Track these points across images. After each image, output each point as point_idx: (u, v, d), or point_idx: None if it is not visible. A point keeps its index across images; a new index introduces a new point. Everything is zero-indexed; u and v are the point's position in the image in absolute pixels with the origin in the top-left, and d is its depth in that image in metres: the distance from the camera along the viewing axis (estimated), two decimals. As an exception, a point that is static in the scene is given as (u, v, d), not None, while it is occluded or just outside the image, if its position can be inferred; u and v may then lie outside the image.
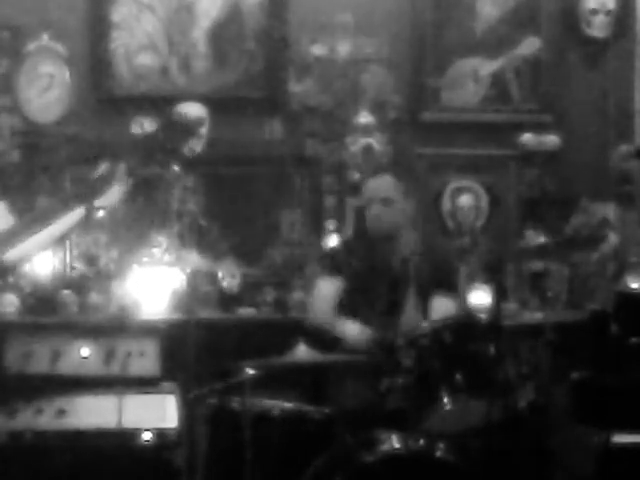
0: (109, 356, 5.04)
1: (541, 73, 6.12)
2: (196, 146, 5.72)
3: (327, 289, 4.95)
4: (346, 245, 5.37)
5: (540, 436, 4.90)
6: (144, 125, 5.66)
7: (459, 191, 6.03)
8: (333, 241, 5.71)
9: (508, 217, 6.05)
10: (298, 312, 5.45)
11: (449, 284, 4.97)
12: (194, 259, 5.42)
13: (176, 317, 5.18)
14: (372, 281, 4.93)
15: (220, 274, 5.53)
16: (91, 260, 5.43)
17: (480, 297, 5.15)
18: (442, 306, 4.81)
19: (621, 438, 4.60)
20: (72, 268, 5.42)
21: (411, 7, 6.04)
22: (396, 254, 4.91)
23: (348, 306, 4.91)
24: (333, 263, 5.01)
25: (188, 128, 5.44)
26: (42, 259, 5.39)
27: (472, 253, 5.77)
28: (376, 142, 5.82)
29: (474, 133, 6.05)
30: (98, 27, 5.87)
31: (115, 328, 5.10)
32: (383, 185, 4.96)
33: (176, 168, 5.26)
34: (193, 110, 5.77)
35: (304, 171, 5.87)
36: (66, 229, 3.88)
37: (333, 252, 5.32)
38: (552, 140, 6.01)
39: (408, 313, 4.73)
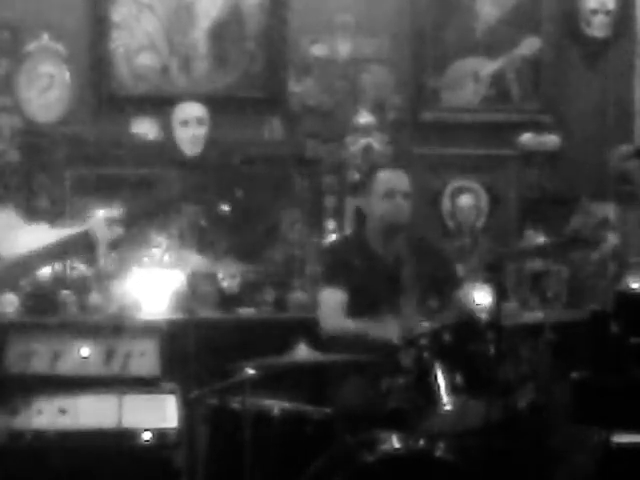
0: (109, 356, 5.03)
1: (541, 73, 6.12)
2: (196, 146, 5.73)
3: (334, 300, 4.93)
4: (346, 243, 5.34)
5: (540, 436, 4.90)
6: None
7: (459, 191, 6.03)
8: (331, 239, 5.69)
9: (508, 217, 6.05)
10: (298, 312, 5.46)
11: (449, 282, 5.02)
12: (194, 259, 5.41)
13: (176, 317, 5.17)
14: (371, 279, 4.94)
15: (220, 274, 5.53)
16: (91, 260, 5.43)
17: (480, 297, 5.14)
18: None
19: (621, 438, 4.60)
20: (72, 268, 5.41)
21: (411, 7, 6.04)
22: (403, 247, 4.96)
23: (350, 306, 4.91)
24: (333, 271, 5.00)
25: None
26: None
27: (472, 253, 5.78)
28: (376, 142, 5.82)
29: (474, 133, 6.05)
30: (98, 27, 5.87)
31: (115, 328, 5.10)
32: (402, 179, 5.02)
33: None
34: (193, 111, 5.77)
35: (304, 171, 5.87)
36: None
37: (331, 256, 5.26)
38: (552, 140, 6.01)
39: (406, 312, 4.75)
